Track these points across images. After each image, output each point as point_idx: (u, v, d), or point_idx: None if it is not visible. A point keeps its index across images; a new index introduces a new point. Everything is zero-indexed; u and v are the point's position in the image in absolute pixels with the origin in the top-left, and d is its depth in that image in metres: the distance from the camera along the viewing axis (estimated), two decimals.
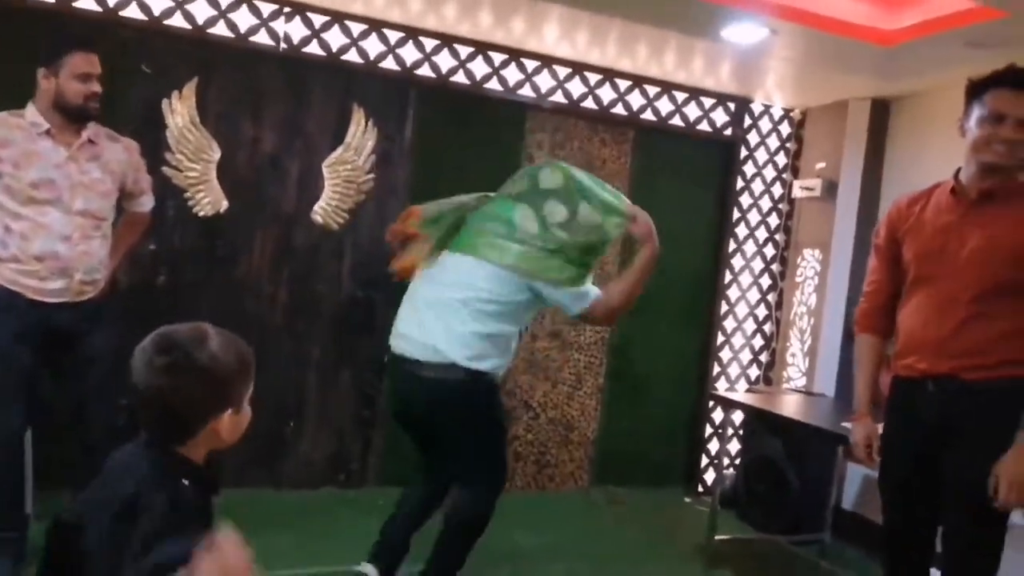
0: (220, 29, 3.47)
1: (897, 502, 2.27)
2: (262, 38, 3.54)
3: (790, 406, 3.66)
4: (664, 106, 4.21)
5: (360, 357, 3.86)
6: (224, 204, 3.58)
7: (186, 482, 1.23)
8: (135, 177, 2.84)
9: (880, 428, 2.30)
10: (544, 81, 3.98)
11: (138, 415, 1.27)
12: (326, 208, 3.74)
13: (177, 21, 3.41)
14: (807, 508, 3.77)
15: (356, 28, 3.65)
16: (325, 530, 3.34)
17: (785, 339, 4.44)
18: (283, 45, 3.58)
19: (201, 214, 3.55)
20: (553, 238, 2.52)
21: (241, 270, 3.65)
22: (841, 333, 4.07)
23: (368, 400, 3.89)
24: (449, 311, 2.51)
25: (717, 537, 3.39)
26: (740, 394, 3.80)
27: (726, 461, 4.51)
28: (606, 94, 4.10)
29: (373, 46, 3.69)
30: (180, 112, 3.48)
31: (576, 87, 4.04)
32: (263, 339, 3.68)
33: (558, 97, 4.02)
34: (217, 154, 3.55)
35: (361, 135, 3.76)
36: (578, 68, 4.01)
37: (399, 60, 3.74)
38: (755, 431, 4.02)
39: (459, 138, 3.95)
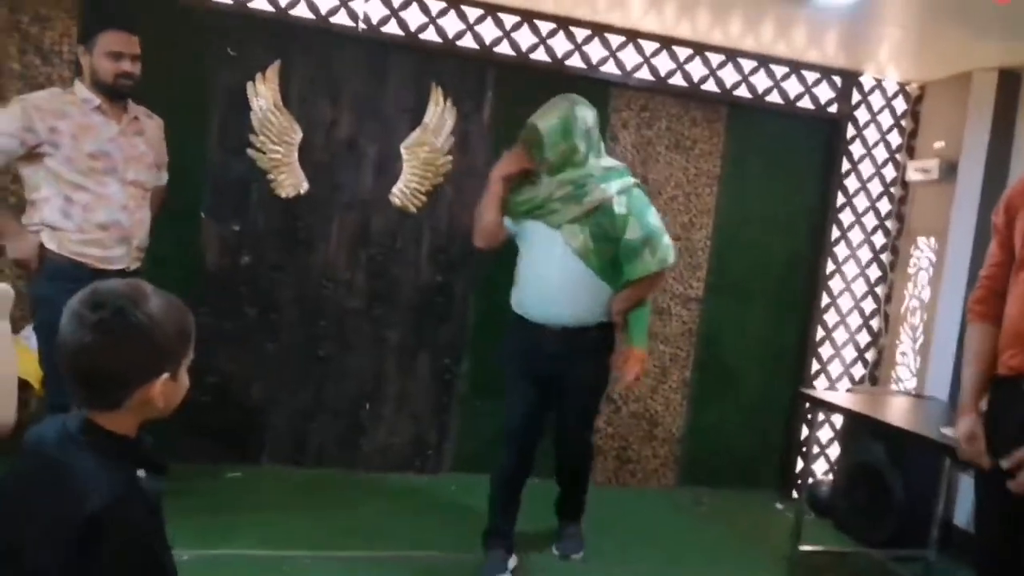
0: (301, 10, 3.48)
1: (993, 511, 2.01)
2: (342, 19, 3.53)
3: (896, 409, 3.34)
4: (761, 82, 3.93)
5: (439, 343, 3.81)
6: (305, 186, 3.60)
7: (141, 473, 1.17)
8: (160, 151, 2.90)
9: (981, 426, 2.05)
10: (629, 57, 3.79)
11: (65, 379, 1.18)
12: (404, 191, 3.70)
13: (260, 4, 3.44)
14: (911, 521, 3.44)
15: (435, 6, 3.58)
16: (399, 513, 3.32)
17: (895, 336, 4.06)
18: (362, 25, 3.56)
19: (283, 195, 3.59)
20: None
21: (319, 253, 3.67)
22: (957, 330, 3.68)
23: (446, 386, 3.84)
24: (570, 289, 2.82)
25: (804, 547, 3.13)
26: (835, 394, 3.49)
27: (824, 466, 4.20)
28: (696, 69, 3.86)
29: (451, 24, 3.61)
30: (264, 95, 3.52)
31: (664, 63, 3.82)
32: (341, 323, 3.70)
33: (644, 74, 3.82)
34: (299, 136, 3.57)
35: (439, 116, 3.70)
36: (666, 42, 3.79)
37: (478, 38, 3.65)
38: (856, 435, 3.70)
39: None
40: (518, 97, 3.76)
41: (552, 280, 2.76)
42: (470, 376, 3.86)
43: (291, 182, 3.59)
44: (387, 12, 3.54)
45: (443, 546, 3.05)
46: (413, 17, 3.57)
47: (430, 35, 3.60)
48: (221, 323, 3.58)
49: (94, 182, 2.60)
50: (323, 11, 3.50)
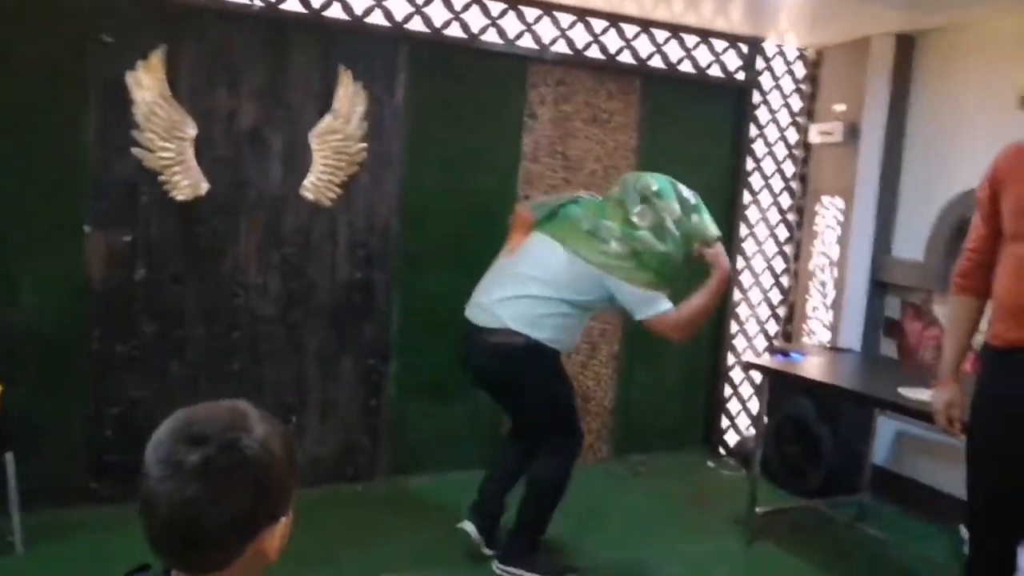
0: None
1: (986, 477, 2.11)
2: None
3: (818, 365, 3.48)
4: (673, 52, 3.90)
5: (363, 344, 3.58)
6: (204, 186, 3.22)
7: None
8: None
9: (959, 395, 2.17)
10: (546, 30, 3.64)
11: (155, 542, 0.91)
12: (316, 184, 3.40)
13: None
14: (838, 469, 3.64)
15: None
16: (339, 527, 3.12)
17: (805, 292, 4.24)
18: (258, 3, 3.19)
19: (179, 199, 3.20)
20: (636, 238, 2.65)
21: (227, 259, 3.32)
22: (867, 285, 3.89)
23: (374, 388, 3.63)
24: (520, 284, 2.69)
25: (758, 509, 3.23)
26: (770, 359, 3.60)
27: (746, 421, 4.37)
28: (612, 41, 3.77)
29: None
30: (148, 85, 3.09)
31: (580, 35, 3.71)
32: (255, 333, 3.39)
33: (561, 47, 3.69)
34: (193, 130, 3.18)
35: (349, 100, 3.40)
36: (581, 14, 3.67)
37: (387, 14, 3.37)
38: (782, 391, 3.84)
39: (456, 97, 3.62)
40: (433, 76, 3.55)
41: None
42: (398, 376, 3.67)
43: (188, 182, 3.20)
44: None
45: (398, 565, 2.89)
46: None
47: (335, 12, 3.29)
48: (116, 346, 3.18)
49: None
50: None
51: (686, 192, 2.81)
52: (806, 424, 3.72)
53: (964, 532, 3.16)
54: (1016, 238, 2.00)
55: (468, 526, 2.91)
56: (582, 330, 2.85)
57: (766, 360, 3.65)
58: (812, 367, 3.36)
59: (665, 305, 2.68)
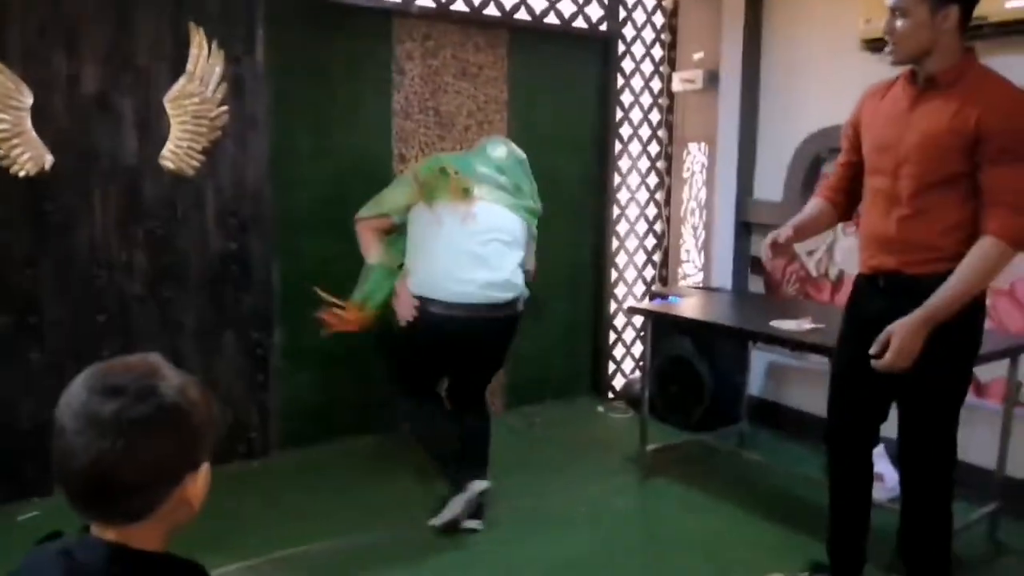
0: None
1: (845, 392, 2.29)
2: None
3: (695, 306, 3.65)
4: (538, 3, 3.90)
5: (243, 316, 3.43)
6: (48, 159, 2.96)
7: None
8: None
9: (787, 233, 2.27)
10: None
11: (73, 497, 0.89)
12: (176, 151, 3.19)
13: None
14: (720, 402, 3.84)
15: None
16: (240, 506, 3.01)
17: (678, 236, 4.41)
18: None
19: (22, 174, 2.92)
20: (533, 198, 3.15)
21: (82, 236, 3.08)
22: (733, 226, 4.09)
23: (259, 362, 3.49)
24: (510, 252, 2.93)
25: (649, 447, 3.37)
26: (650, 303, 3.74)
27: (630, 365, 4.53)
28: None
29: None
30: None
31: None
32: (124, 314, 3.18)
33: (426, 1, 3.61)
34: (29, 99, 2.90)
35: (205, 61, 3.20)
36: None
37: None
38: (663, 333, 4.00)
39: (320, 55, 3.48)
40: (294, 33, 3.40)
41: None
42: (285, 347, 3.55)
43: (30, 155, 2.93)
44: None
45: (306, 537, 2.83)
46: None
47: None
48: None
49: None
50: None
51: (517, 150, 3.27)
52: (687, 363, 3.90)
53: None
54: (874, 172, 2.15)
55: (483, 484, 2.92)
56: None
57: (647, 304, 3.78)
58: (689, 308, 3.52)
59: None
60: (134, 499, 0.89)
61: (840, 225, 3.64)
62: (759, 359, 3.98)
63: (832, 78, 3.63)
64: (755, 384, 4.01)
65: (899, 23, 1.98)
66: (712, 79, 4.05)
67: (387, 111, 3.66)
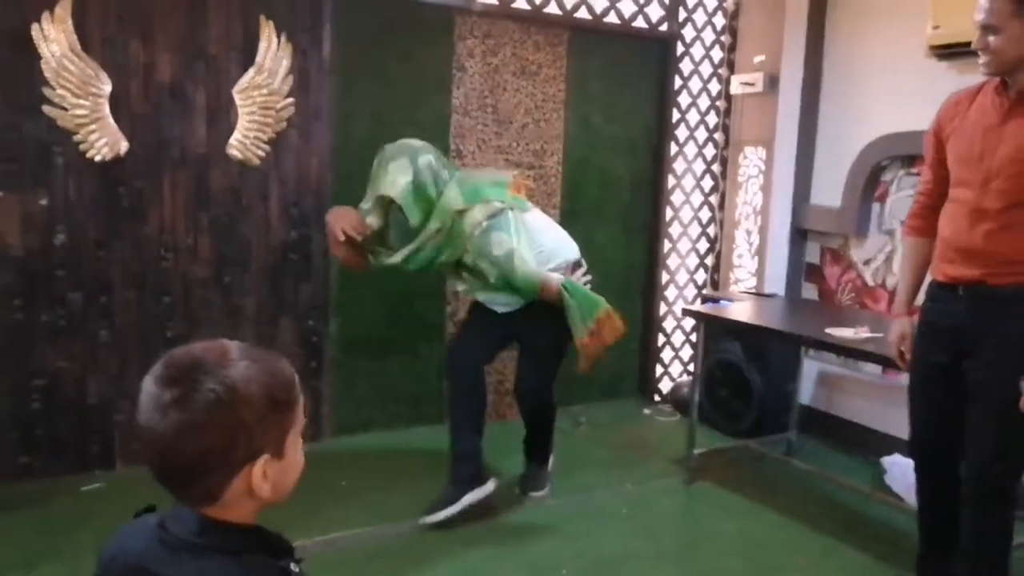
0: None
1: (924, 402, 2.26)
2: None
3: (748, 310, 3.62)
4: (598, 3, 3.92)
5: (300, 304, 3.52)
6: (124, 145, 3.08)
7: (295, 567, 0.97)
8: None
9: (910, 329, 2.29)
10: None
11: (155, 475, 0.94)
12: (243, 141, 3.29)
13: None
14: (769, 409, 3.81)
15: None
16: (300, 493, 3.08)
17: (731, 241, 4.38)
18: None
19: (98, 159, 3.05)
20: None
21: (153, 221, 3.19)
22: (788, 231, 4.05)
23: (314, 349, 3.58)
24: None
25: (696, 451, 3.36)
26: (703, 307, 3.73)
27: (677, 368, 4.52)
28: None
29: None
30: (55, 39, 2.91)
31: None
32: (188, 296, 3.29)
33: None
34: (108, 86, 3.02)
35: (274, 54, 3.30)
36: None
37: None
38: (713, 337, 3.99)
39: (383, 51, 3.55)
40: (359, 28, 3.47)
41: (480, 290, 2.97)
42: (339, 336, 3.63)
43: (106, 141, 3.05)
44: None
45: (350, 523, 2.89)
46: None
47: None
48: (39, 316, 3.04)
49: None
50: None
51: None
52: (737, 368, 3.87)
53: (884, 462, 3.39)
54: (957, 184, 2.12)
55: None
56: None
57: (699, 307, 3.76)
58: (742, 312, 3.50)
59: None
60: (196, 484, 0.92)
61: (899, 234, 3.60)
62: (810, 367, 3.93)
63: (896, 85, 3.57)
64: (805, 392, 3.96)
65: (992, 39, 1.96)
66: (772, 82, 4.01)
67: (447, 107, 3.72)
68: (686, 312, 3.61)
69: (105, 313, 3.15)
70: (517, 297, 2.89)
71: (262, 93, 3.30)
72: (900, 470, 3.28)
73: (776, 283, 4.08)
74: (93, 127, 3.03)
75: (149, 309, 3.22)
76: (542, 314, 2.88)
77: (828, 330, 2.84)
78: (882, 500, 3.19)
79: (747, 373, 3.84)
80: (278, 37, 3.29)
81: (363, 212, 2.84)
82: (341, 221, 2.82)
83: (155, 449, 0.91)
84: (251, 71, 3.26)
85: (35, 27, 2.87)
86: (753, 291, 4.17)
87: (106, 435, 3.21)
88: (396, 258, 2.83)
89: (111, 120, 3.04)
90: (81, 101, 2.99)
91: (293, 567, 0.96)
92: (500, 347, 3.18)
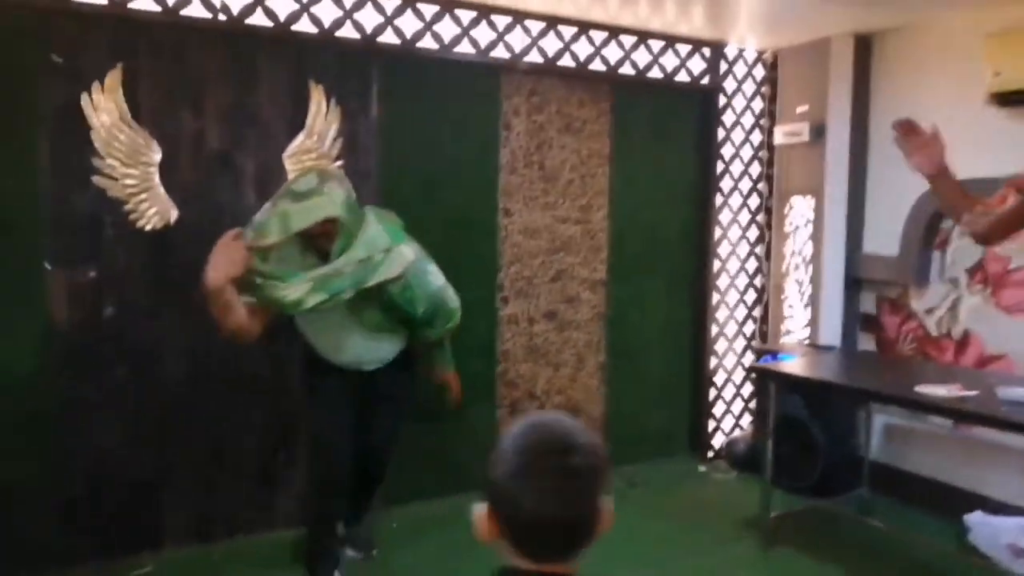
0: (143, 2, 2.86)
1: None
2: (196, 10, 2.95)
3: (809, 364, 3.51)
4: (641, 58, 3.89)
5: None
6: (174, 214, 3.01)
7: None
8: None
9: None
10: (517, 39, 3.57)
11: (540, 540, 1.02)
12: None
13: None
14: (834, 465, 3.66)
15: None
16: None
17: (780, 291, 4.29)
18: (221, 16, 3.00)
19: (148, 228, 2.97)
20: None
21: (201, 292, 3.09)
22: (842, 281, 3.95)
23: None
24: None
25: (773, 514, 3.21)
26: (766, 362, 3.61)
27: (728, 423, 4.38)
28: (582, 49, 3.73)
29: (328, 11, 3.16)
30: (106, 108, 2.86)
31: (551, 43, 3.65)
32: (239, 369, 3.17)
33: (533, 56, 3.62)
34: (157, 155, 2.96)
35: (323, 117, 3.25)
36: (552, 22, 3.61)
37: (358, 26, 3.23)
38: (768, 391, 3.85)
39: (430, 111, 3.50)
40: (406, 89, 3.43)
41: (347, 338, 2.71)
42: None
43: (156, 210, 2.98)
44: (251, 0, 3.02)
45: None
46: (282, 5, 3.08)
47: (304, 25, 3.13)
48: (85, 390, 2.92)
49: None
50: (170, 2, 2.90)
51: (301, 183, 2.53)
52: (800, 423, 3.74)
53: (967, 520, 3.23)
54: None
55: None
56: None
57: (768, 364, 3.63)
58: (806, 367, 3.38)
59: None
60: (585, 538, 1.03)
61: (964, 282, 3.50)
62: (878, 422, 3.79)
63: (953, 132, 3.48)
64: (875, 447, 3.81)
65: None
66: (817, 131, 3.96)
67: (494, 165, 3.66)
68: (752, 370, 3.49)
69: (152, 387, 3.03)
70: (394, 346, 2.79)
71: (311, 157, 3.24)
72: (985, 529, 3.12)
73: (830, 334, 3.97)
74: (143, 196, 2.96)
75: (197, 382, 3.11)
76: (404, 364, 2.87)
77: (919, 388, 2.70)
78: (968, 562, 3.03)
79: (811, 428, 3.70)
80: (327, 101, 3.24)
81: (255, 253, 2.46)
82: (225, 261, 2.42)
83: (566, 513, 1.01)
84: (301, 136, 3.21)
85: (85, 97, 2.82)
86: (807, 343, 4.06)
87: (155, 514, 3.07)
88: (299, 285, 2.45)
89: (161, 189, 2.98)
90: (131, 171, 2.93)
91: None
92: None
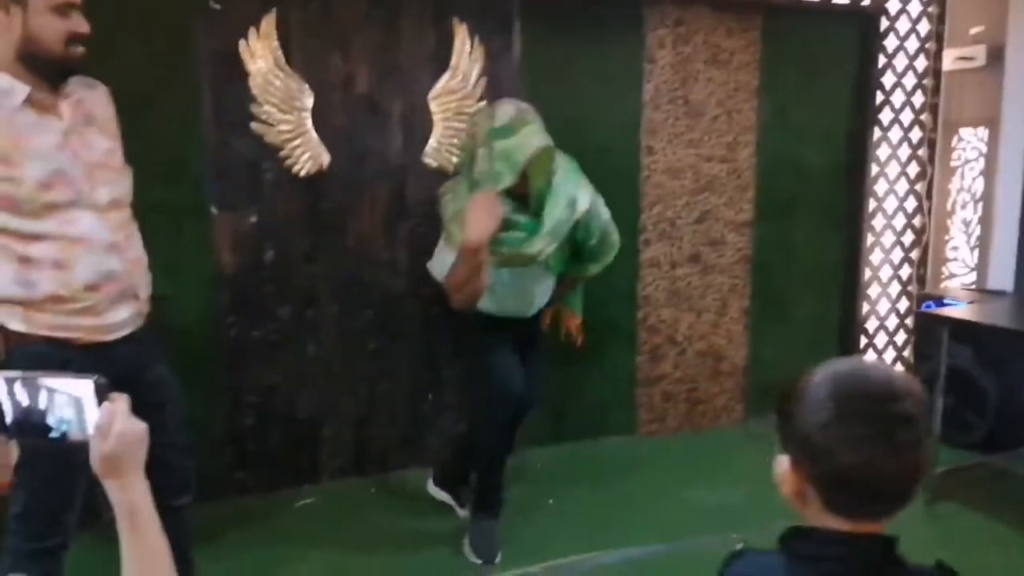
0: None
1: None
2: None
3: (982, 311, 3.25)
4: None
5: None
6: (326, 159, 3.05)
7: None
8: (117, 135, 1.96)
9: None
10: None
11: (871, 495, 0.94)
12: (438, 148, 3.20)
13: None
14: (1007, 419, 3.42)
15: None
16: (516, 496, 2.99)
17: (942, 232, 3.98)
18: None
19: (303, 173, 3.03)
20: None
21: (352, 234, 3.15)
22: (1018, 221, 3.63)
23: None
24: None
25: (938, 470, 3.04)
26: (936, 309, 3.37)
27: None
28: None
29: None
30: (262, 54, 2.90)
31: None
32: (388, 311, 3.23)
33: None
34: (310, 100, 2.99)
35: (468, 56, 3.19)
36: None
37: None
38: (931, 339, 3.61)
39: (573, 47, 3.38)
40: (547, 28, 3.32)
41: (537, 285, 2.71)
42: None
43: (310, 155, 3.03)
44: None
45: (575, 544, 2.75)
46: None
47: None
48: (251, 332, 3.05)
49: (56, 222, 1.74)
50: None
51: (500, 117, 2.41)
52: (968, 375, 3.49)
53: None
54: None
55: None
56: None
57: (945, 311, 3.39)
58: (978, 312, 3.13)
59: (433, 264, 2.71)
60: (915, 494, 0.94)
61: None
62: None
63: None
64: None
65: None
66: (994, 55, 3.59)
67: (637, 102, 3.52)
68: (919, 315, 3.27)
69: (313, 327, 3.13)
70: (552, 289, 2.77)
71: (456, 98, 3.20)
72: None
73: (1002, 278, 3.67)
74: (298, 142, 3.01)
75: (352, 323, 3.19)
76: (539, 315, 2.83)
77: None
78: None
79: (980, 380, 3.45)
80: (471, 40, 3.18)
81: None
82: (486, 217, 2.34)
83: (910, 464, 0.92)
84: (445, 76, 3.17)
85: (242, 43, 2.87)
86: (974, 287, 3.77)
87: (315, 449, 3.21)
88: (542, 238, 2.47)
89: (314, 134, 3.02)
90: (286, 116, 2.97)
91: None
92: None
